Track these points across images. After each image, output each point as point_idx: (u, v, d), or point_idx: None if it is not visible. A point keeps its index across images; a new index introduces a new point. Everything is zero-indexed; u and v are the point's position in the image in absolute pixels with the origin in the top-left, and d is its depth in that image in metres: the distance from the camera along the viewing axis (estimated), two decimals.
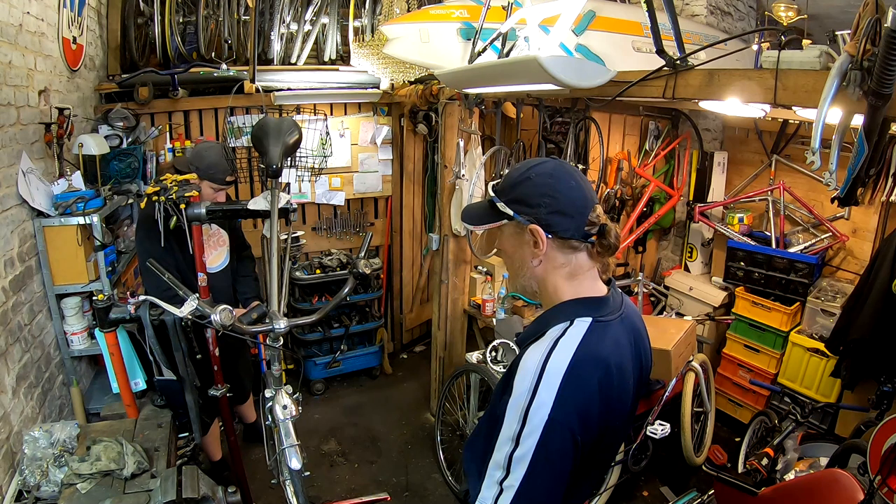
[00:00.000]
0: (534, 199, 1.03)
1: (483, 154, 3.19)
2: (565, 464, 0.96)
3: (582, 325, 1.02)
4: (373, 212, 4.31)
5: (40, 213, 2.24)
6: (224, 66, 3.39)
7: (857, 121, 1.42)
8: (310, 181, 3.87)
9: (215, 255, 2.71)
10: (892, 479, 1.74)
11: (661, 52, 1.84)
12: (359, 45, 3.51)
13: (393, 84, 3.63)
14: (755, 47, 2.93)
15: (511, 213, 1.06)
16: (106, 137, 2.87)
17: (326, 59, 3.84)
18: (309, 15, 3.69)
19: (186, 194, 2.15)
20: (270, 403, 2.11)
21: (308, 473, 2.04)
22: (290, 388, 2.15)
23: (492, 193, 1.11)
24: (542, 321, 1.08)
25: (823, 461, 2.40)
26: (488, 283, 3.43)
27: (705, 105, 2.65)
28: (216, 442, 2.82)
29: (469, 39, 2.67)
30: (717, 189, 3.99)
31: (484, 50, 2.53)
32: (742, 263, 3.45)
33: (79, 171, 2.51)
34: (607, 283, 1.12)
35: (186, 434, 2.58)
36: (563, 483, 0.97)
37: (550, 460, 0.95)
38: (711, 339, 3.56)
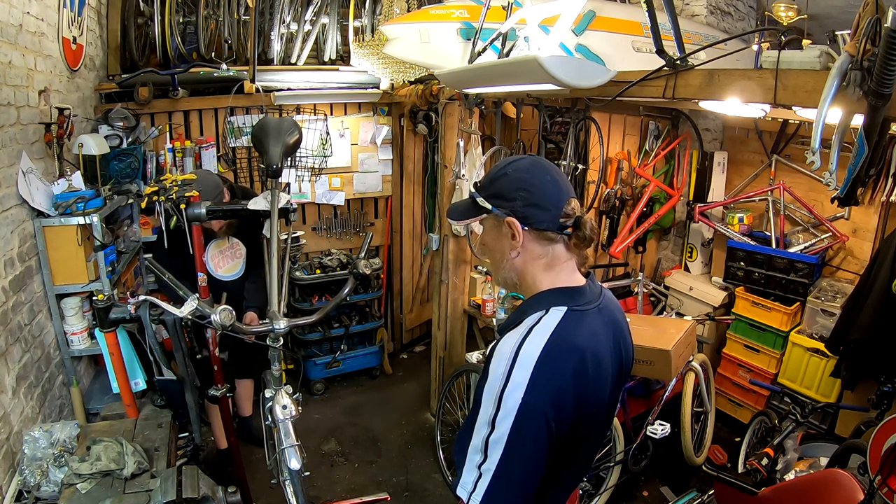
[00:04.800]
0: (510, 193, 1.09)
1: (483, 154, 3.19)
2: (540, 448, 0.98)
3: (557, 313, 1.05)
4: (373, 212, 4.31)
5: (40, 213, 2.24)
6: (224, 66, 3.39)
7: (857, 121, 1.42)
8: (310, 181, 3.87)
9: (231, 265, 2.76)
10: (892, 479, 1.74)
11: (661, 52, 1.84)
12: (359, 45, 3.51)
13: (393, 84, 3.63)
14: (755, 47, 2.93)
15: (489, 206, 1.11)
16: (106, 137, 2.87)
17: (326, 59, 3.84)
18: (309, 15, 3.69)
19: (186, 194, 2.15)
20: (270, 403, 2.10)
21: (308, 473, 2.04)
22: (289, 388, 2.15)
23: (472, 190, 1.17)
24: (520, 311, 1.12)
25: (823, 461, 2.40)
26: (488, 283, 3.43)
27: (705, 105, 2.65)
28: (221, 428, 2.78)
29: (469, 39, 2.67)
30: (717, 189, 3.99)
31: (484, 50, 2.53)
32: (742, 263, 3.45)
33: (79, 171, 2.51)
34: (586, 275, 1.16)
35: (186, 434, 2.58)
36: (540, 468, 1.00)
37: (525, 444, 0.97)
38: (711, 339, 3.56)
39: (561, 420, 0.99)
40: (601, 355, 1.06)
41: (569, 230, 1.08)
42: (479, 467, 0.99)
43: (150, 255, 3.00)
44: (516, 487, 0.99)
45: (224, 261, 2.75)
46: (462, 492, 1.02)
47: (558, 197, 1.08)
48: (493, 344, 1.10)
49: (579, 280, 1.13)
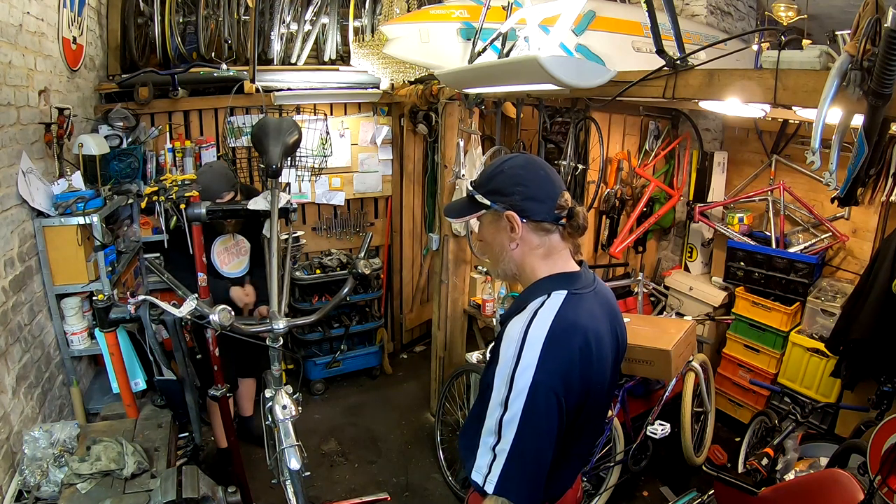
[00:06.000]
0: (508, 189, 1.15)
1: (483, 154, 3.19)
2: (552, 425, 1.03)
3: (558, 297, 1.11)
4: (373, 212, 4.31)
5: (40, 213, 2.24)
6: (224, 66, 3.39)
7: (857, 121, 1.42)
8: (310, 181, 3.87)
9: (236, 262, 2.79)
10: (892, 479, 1.74)
11: (661, 52, 1.83)
12: (359, 45, 3.51)
13: (393, 84, 3.63)
14: (755, 47, 2.93)
15: (489, 202, 1.16)
16: (106, 137, 2.86)
17: (326, 59, 3.84)
18: (309, 15, 3.69)
19: (186, 194, 2.15)
20: (270, 403, 2.11)
21: (308, 473, 2.04)
22: (289, 388, 2.15)
23: (470, 188, 1.22)
24: (522, 298, 1.17)
25: (823, 461, 2.40)
26: (488, 283, 3.43)
27: (705, 105, 2.65)
28: (221, 428, 2.78)
29: (469, 39, 2.67)
30: (717, 189, 3.99)
31: (484, 50, 2.53)
32: (742, 263, 3.45)
33: (79, 171, 2.51)
34: (579, 263, 1.22)
35: (186, 434, 2.58)
36: (552, 445, 1.04)
37: (537, 421, 1.02)
38: (711, 339, 3.56)
39: (569, 396, 1.04)
40: (601, 334, 1.12)
41: (563, 220, 1.14)
42: (494, 449, 1.03)
43: (159, 255, 3.02)
44: (530, 466, 1.03)
45: (230, 258, 2.76)
46: (477, 475, 1.05)
47: (552, 190, 1.14)
48: (492, 344, 1.13)
49: (574, 266, 1.19)
